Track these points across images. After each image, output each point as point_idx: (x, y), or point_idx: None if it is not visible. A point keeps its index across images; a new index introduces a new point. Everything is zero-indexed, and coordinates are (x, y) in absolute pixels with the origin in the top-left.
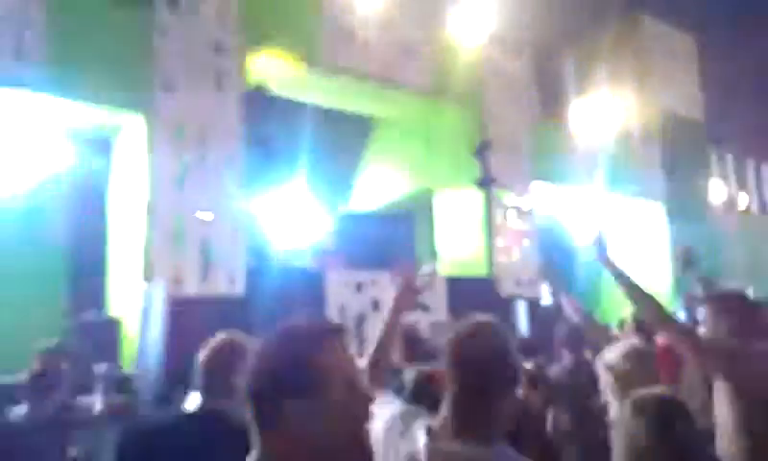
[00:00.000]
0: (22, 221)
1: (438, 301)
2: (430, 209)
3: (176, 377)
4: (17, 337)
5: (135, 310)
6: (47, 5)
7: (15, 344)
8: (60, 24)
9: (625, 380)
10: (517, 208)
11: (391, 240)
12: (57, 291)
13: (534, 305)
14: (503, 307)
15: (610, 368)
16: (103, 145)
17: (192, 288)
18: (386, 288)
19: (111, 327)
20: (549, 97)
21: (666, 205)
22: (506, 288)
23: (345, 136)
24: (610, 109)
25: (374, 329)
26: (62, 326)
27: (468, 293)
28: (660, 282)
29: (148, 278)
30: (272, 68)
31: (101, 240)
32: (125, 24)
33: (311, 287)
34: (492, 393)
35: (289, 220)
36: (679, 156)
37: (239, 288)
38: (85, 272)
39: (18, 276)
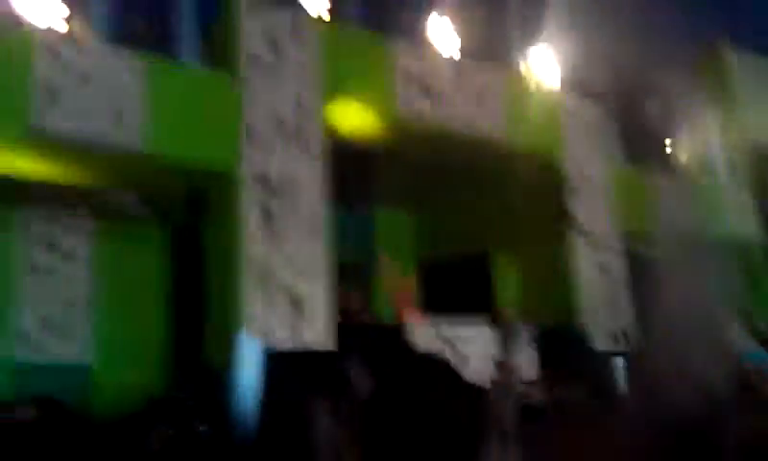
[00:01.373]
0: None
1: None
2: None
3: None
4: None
5: (232, 363)
6: (143, 74)
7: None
8: (158, 89)
9: None
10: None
11: (469, 289)
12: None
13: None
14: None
15: None
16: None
17: (282, 340)
18: (472, 342)
19: (213, 380)
20: (634, 142)
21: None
22: (599, 342)
23: (424, 188)
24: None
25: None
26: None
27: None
28: None
29: (242, 329)
30: (350, 121)
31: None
32: (216, 85)
33: (397, 339)
34: None
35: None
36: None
37: (326, 340)
38: (187, 321)
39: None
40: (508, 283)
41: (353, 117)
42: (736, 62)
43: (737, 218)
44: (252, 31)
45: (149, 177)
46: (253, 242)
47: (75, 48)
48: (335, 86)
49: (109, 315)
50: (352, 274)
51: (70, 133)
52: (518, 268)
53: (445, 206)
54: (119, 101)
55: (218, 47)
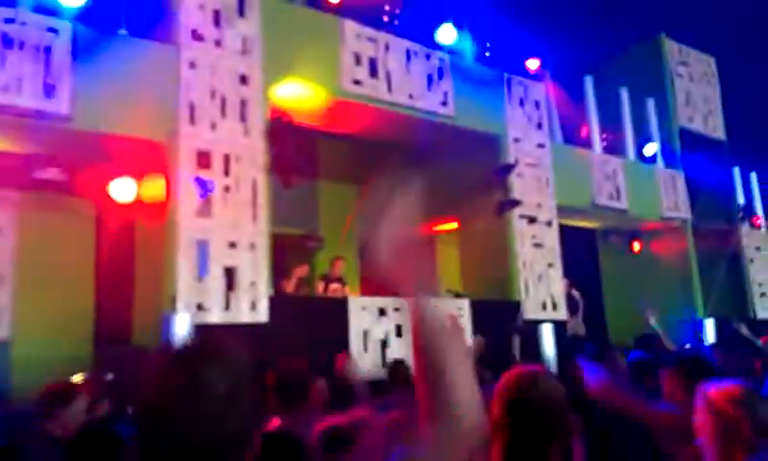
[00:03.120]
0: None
1: (462, 325)
2: (453, 234)
3: None
4: (46, 368)
5: (160, 340)
6: (75, 41)
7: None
8: (87, 59)
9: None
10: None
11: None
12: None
13: (560, 330)
14: (527, 332)
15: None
16: (130, 175)
17: (215, 316)
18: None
19: (138, 357)
20: (571, 120)
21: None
22: (530, 312)
23: (361, 162)
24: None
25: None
26: (90, 357)
27: (492, 317)
28: None
29: (172, 306)
30: (294, 98)
31: (128, 270)
32: (153, 57)
33: (334, 313)
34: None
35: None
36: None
37: (262, 315)
38: (112, 301)
39: (47, 307)
40: (449, 260)
41: (298, 93)
42: (673, 52)
43: (670, 200)
44: (194, 4)
45: (78, 148)
46: (187, 217)
47: (3, 13)
48: (280, 63)
49: (33, 289)
50: (294, 247)
51: None
52: (458, 244)
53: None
54: (50, 68)
55: (158, 18)
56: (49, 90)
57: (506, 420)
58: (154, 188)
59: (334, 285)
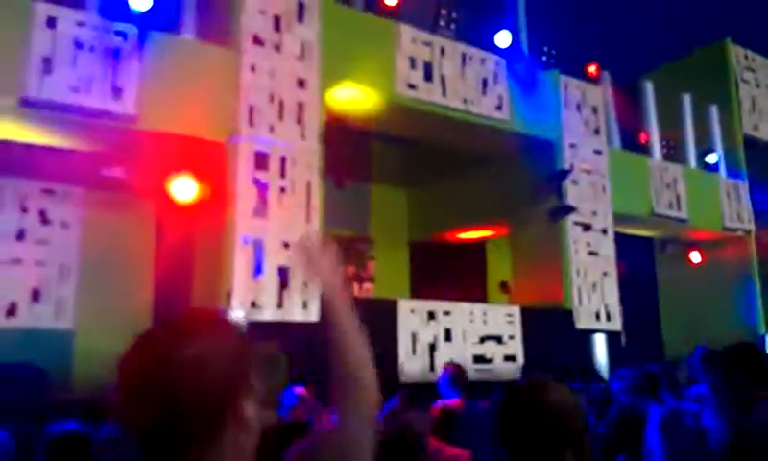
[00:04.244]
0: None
1: (513, 332)
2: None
3: None
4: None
5: None
6: (141, 44)
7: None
8: (154, 62)
9: None
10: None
11: (464, 271)
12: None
13: (613, 340)
14: (579, 341)
15: None
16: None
17: (269, 314)
18: (458, 317)
19: None
20: (630, 126)
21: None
22: (583, 321)
23: (413, 165)
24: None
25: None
26: None
27: (542, 325)
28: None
29: (228, 303)
30: (349, 101)
31: (187, 267)
32: (214, 61)
33: (383, 315)
34: None
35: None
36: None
37: (313, 314)
38: (170, 297)
39: (109, 301)
40: (501, 266)
41: (353, 97)
42: (738, 58)
43: (733, 210)
44: (254, 7)
45: (142, 147)
46: (244, 215)
47: (71, 18)
48: (337, 67)
49: (96, 283)
50: (345, 249)
51: (65, 100)
52: (511, 250)
53: (442, 187)
54: (117, 70)
55: (220, 23)
56: (116, 91)
57: (518, 426)
58: (213, 188)
59: (367, 285)
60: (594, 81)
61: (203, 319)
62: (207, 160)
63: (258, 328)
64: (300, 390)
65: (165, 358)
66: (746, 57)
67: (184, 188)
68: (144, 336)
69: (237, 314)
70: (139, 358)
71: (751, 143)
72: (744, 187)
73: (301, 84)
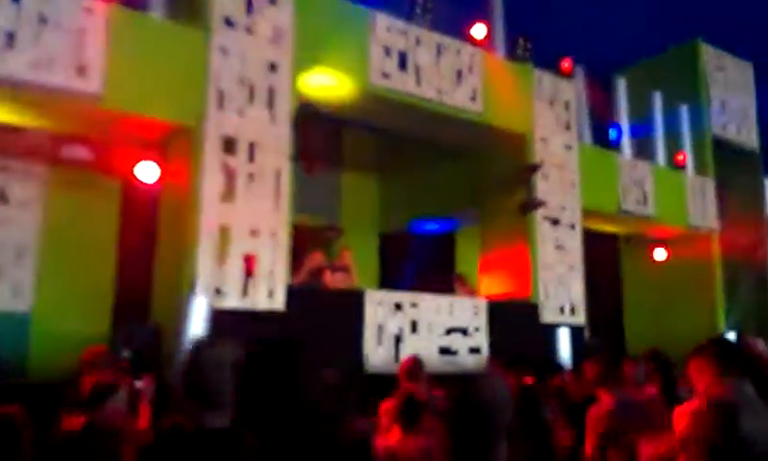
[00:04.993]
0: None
1: (479, 324)
2: (475, 232)
3: None
4: (64, 343)
5: (178, 320)
6: (107, 22)
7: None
8: (120, 40)
9: None
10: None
11: (433, 262)
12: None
13: (577, 334)
14: (543, 335)
15: None
16: (156, 158)
17: (233, 301)
18: (425, 308)
19: (155, 336)
20: (601, 120)
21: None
22: (548, 315)
23: (385, 154)
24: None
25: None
26: (107, 334)
27: (508, 318)
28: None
29: (192, 289)
30: (321, 87)
31: (150, 250)
32: (183, 42)
33: (350, 306)
34: None
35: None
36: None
37: (278, 303)
38: (133, 280)
39: (69, 282)
40: (470, 258)
41: (326, 84)
42: (709, 58)
43: (699, 209)
44: None
45: (106, 128)
46: (211, 201)
47: None
48: (310, 52)
49: (55, 264)
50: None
51: (26, 77)
52: (480, 242)
53: (412, 177)
54: (83, 48)
55: (190, 2)
56: (81, 70)
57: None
58: (179, 172)
59: (339, 275)
60: (568, 75)
61: None
62: (174, 143)
63: (224, 317)
64: None
65: None
66: (717, 56)
67: (149, 171)
68: None
69: (201, 301)
70: None
71: (719, 143)
72: (710, 186)
73: (273, 68)
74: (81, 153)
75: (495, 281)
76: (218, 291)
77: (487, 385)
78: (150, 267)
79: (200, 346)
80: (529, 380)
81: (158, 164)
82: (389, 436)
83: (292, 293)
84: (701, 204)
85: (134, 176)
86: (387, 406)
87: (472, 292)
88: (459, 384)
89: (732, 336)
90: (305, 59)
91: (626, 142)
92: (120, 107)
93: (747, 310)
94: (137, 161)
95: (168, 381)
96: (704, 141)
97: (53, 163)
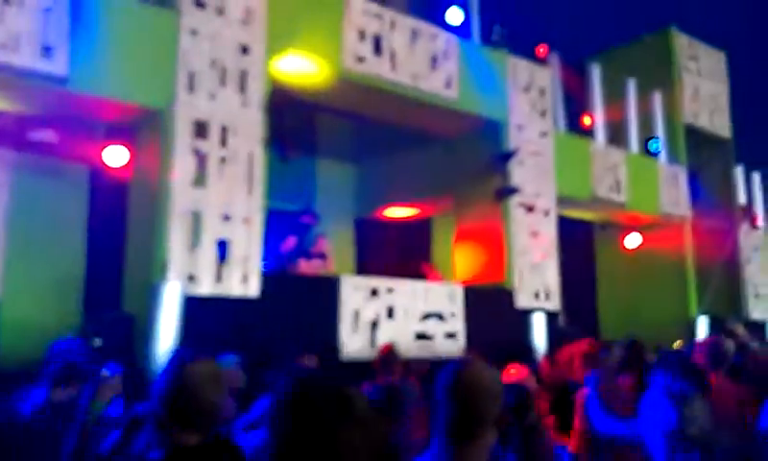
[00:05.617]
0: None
1: (455, 310)
2: (451, 218)
3: None
4: (35, 332)
5: (150, 308)
6: (74, 1)
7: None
8: (87, 21)
9: None
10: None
11: (408, 248)
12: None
13: (552, 320)
14: (518, 320)
15: None
16: (125, 142)
17: (206, 288)
18: (401, 294)
19: (127, 324)
20: (575, 108)
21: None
22: (522, 300)
23: (360, 140)
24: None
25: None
26: (78, 322)
27: (483, 304)
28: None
29: (163, 276)
30: (295, 72)
31: (119, 237)
32: (152, 24)
33: (325, 292)
34: None
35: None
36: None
37: (253, 290)
38: (103, 267)
39: (37, 270)
40: (445, 244)
41: (299, 67)
42: (683, 46)
43: (671, 196)
44: None
45: (73, 111)
46: (182, 186)
47: None
48: (282, 35)
49: (23, 251)
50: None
51: None
52: (454, 229)
53: (388, 163)
54: (48, 28)
55: None
56: (47, 51)
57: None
58: (148, 156)
59: (315, 262)
60: (543, 62)
61: None
62: (144, 127)
63: (196, 303)
64: None
65: None
66: (690, 45)
67: (118, 155)
68: None
69: (174, 288)
70: None
71: (691, 131)
72: (683, 174)
73: (245, 50)
74: (48, 136)
75: (471, 267)
76: (191, 278)
77: (476, 371)
78: (121, 254)
79: (184, 362)
80: (524, 372)
81: (128, 148)
82: None
83: (266, 279)
84: (674, 191)
85: (103, 160)
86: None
87: (440, 279)
88: (442, 369)
89: (704, 321)
90: (278, 41)
91: (599, 129)
92: (87, 89)
93: (718, 296)
94: (106, 146)
95: (138, 370)
96: (677, 129)
97: (19, 148)
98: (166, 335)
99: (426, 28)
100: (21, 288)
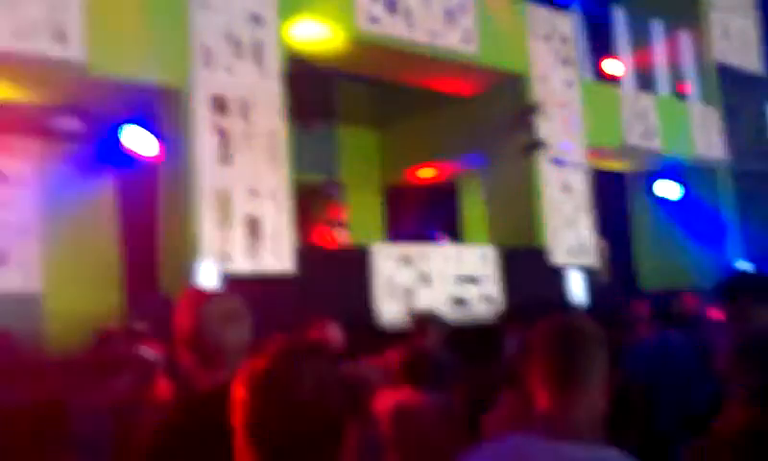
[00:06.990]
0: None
1: (488, 272)
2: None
3: None
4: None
5: (187, 288)
6: None
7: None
8: (98, 2)
9: None
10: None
11: (437, 213)
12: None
13: (589, 276)
14: (554, 278)
15: None
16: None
17: (240, 265)
18: (433, 259)
19: (165, 305)
20: (600, 54)
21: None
22: (558, 258)
23: (381, 104)
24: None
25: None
26: (119, 306)
27: (517, 264)
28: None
29: (197, 255)
30: (310, 39)
31: (152, 219)
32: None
33: (358, 262)
34: None
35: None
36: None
37: (287, 265)
38: (138, 250)
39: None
40: (474, 206)
41: (314, 33)
42: None
43: (704, 139)
44: None
45: (94, 96)
46: (208, 165)
47: None
48: (293, 0)
49: (59, 241)
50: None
51: (7, 48)
52: (483, 189)
53: (411, 126)
54: (58, 12)
55: None
56: (60, 36)
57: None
58: (171, 136)
59: (338, 230)
60: (564, 8)
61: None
62: (164, 107)
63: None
64: None
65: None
66: None
67: (141, 137)
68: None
69: (209, 267)
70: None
71: (722, 70)
72: (716, 115)
73: (257, 20)
74: (72, 124)
75: (502, 227)
76: (224, 255)
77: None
78: (154, 236)
79: (200, 300)
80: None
81: (152, 130)
82: (398, 391)
83: (299, 253)
84: (707, 133)
85: (129, 144)
86: (393, 357)
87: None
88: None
89: (746, 267)
90: (290, 7)
91: (627, 75)
92: (104, 71)
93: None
94: (129, 129)
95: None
96: (707, 69)
97: (46, 137)
98: None
99: None
100: (62, 279)
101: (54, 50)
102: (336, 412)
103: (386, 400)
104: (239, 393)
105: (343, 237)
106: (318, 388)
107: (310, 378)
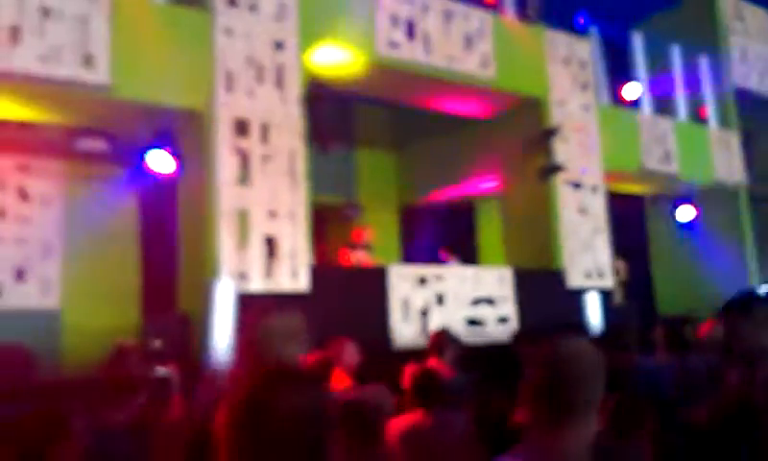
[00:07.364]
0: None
1: (505, 293)
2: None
3: None
4: (95, 337)
5: (205, 307)
6: (111, 10)
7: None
8: (124, 28)
9: None
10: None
11: (454, 234)
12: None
13: (606, 298)
14: (571, 300)
15: None
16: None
17: (256, 284)
18: (449, 280)
19: (183, 324)
20: (618, 78)
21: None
22: (574, 280)
23: (399, 127)
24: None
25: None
26: (137, 324)
27: (533, 286)
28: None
29: (215, 274)
30: (330, 63)
31: (171, 239)
32: (187, 25)
33: (374, 283)
34: None
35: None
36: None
37: (302, 284)
38: (157, 269)
39: (94, 276)
40: (491, 228)
41: (334, 58)
42: (728, 7)
43: (723, 163)
44: None
45: (118, 118)
46: (227, 186)
47: None
48: (315, 27)
49: (80, 259)
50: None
51: (35, 72)
52: (501, 211)
53: (428, 148)
54: (84, 37)
55: None
56: (87, 59)
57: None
58: (193, 158)
59: (359, 253)
60: (582, 34)
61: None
62: (186, 128)
63: (249, 301)
64: None
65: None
66: (735, 6)
67: (163, 159)
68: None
69: (227, 286)
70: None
71: (741, 94)
72: (735, 139)
73: (279, 46)
74: (96, 145)
75: (518, 249)
76: (242, 275)
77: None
78: (173, 255)
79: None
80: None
81: (173, 152)
82: (410, 413)
83: (315, 273)
84: (726, 157)
85: (150, 165)
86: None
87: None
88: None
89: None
90: (311, 34)
91: (646, 99)
92: (128, 95)
93: None
94: (152, 151)
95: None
96: (726, 93)
97: (70, 158)
98: (221, 332)
99: (459, 8)
100: (80, 295)
101: (80, 74)
102: (314, 439)
103: (398, 423)
104: (220, 418)
105: (365, 260)
106: (294, 416)
107: (286, 407)
